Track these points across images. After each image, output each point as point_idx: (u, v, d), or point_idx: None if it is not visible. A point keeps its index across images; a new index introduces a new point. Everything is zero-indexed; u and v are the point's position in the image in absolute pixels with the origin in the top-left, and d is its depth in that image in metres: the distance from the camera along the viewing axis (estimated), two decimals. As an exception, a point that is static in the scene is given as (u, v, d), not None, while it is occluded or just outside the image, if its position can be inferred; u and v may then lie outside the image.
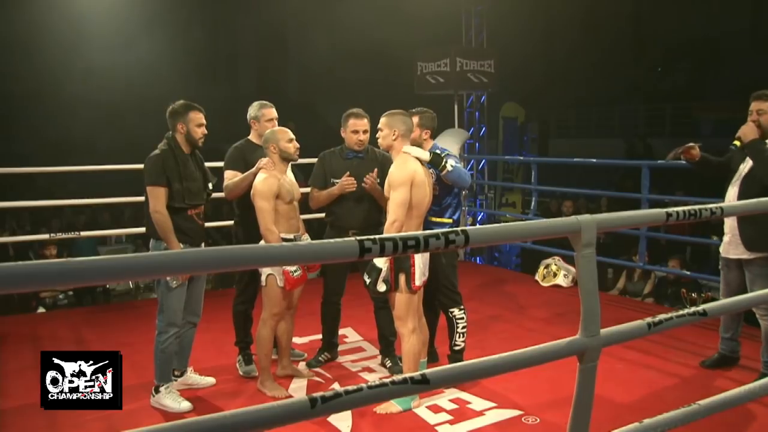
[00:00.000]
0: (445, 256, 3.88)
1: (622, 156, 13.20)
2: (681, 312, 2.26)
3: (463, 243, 1.79)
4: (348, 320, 4.57)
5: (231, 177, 3.89)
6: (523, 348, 1.97)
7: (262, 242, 3.52)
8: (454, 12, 8.27)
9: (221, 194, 3.94)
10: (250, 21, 19.30)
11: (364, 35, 14.10)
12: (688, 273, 5.81)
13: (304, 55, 19.35)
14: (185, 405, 3.47)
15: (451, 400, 3.51)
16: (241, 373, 4.01)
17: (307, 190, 4.10)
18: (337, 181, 3.95)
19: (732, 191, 3.70)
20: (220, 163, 4.04)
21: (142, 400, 3.54)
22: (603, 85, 16.93)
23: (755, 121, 3.60)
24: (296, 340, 4.29)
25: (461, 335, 3.93)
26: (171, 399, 3.48)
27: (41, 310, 6.53)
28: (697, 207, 2.27)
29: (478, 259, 8.37)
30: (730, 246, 3.72)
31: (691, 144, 3.80)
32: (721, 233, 3.91)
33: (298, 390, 3.75)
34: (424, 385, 1.78)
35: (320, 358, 4.16)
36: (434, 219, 3.79)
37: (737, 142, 3.63)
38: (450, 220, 3.85)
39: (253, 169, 3.69)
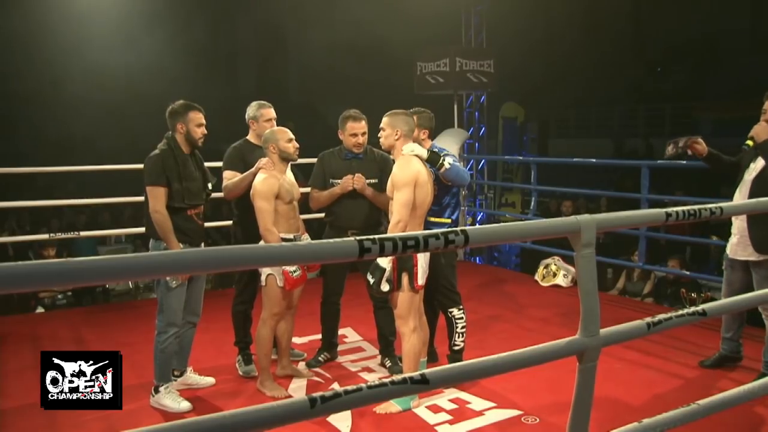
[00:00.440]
0: (445, 256, 3.87)
1: (611, 156, 13.21)
2: (680, 312, 2.26)
3: (462, 243, 1.79)
4: (347, 320, 4.57)
5: (230, 177, 3.89)
6: (522, 348, 1.97)
7: (261, 242, 3.52)
8: (454, 12, 8.27)
9: (221, 194, 3.94)
10: (251, 21, 19.32)
11: (364, 35, 14.12)
12: (688, 273, 5.81)
13: (304, 54, 19.37)
14: (185, 405, 3.47)
15: (450, 400, 3.51)
16: (240, 373, 4.01)
17: (307, 190, 4.10)
18: (337, 181, 3.95)
19: (741, 192, 3.65)
20: (220, 163, 4.04)
21: (141, 400, 3.54)
22: (603, 85, 16.94)
23: None
24: (296, 340, 4.29)
25: (460, 335, 3.93)
26: (171, 399, 3.48)
27: (40, 310, 6.52)
28: (696, 207, 2.27)
29: (477, 259, 8.37)
30: (738, 247, 3.68)
31: (694, 137, 3.74)
32: (721, 233, 3.90)
33: (297, 390, 3.74)
34: (423, 385, 1.78)
35: (320, 358, 4.16)
36: (433, 219, 3.78)
37: (750, 142, 3.60)
38: (449, 220, 3.85)
39: (253, 169, 3.69)
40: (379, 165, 3.98)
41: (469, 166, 7.84)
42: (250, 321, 4.11)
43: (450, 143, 5.78)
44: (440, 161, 3.56)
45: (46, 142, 15.70)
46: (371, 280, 3.31)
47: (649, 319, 2.17)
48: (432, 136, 3.94)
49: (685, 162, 3.90)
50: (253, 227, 3.57)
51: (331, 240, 1.66)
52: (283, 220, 3.60)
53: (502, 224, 5.03)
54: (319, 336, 4.26)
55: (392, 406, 3.38)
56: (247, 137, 4.05)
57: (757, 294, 3.07)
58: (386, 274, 3.27)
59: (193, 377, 3.81)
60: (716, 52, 15.89)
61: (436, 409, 3.43)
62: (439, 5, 8.48)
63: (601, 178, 11.99)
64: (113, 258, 1.38)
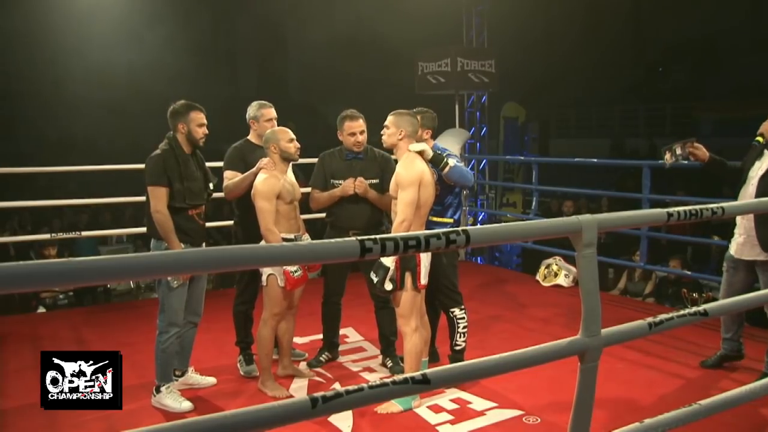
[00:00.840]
0: (446, 256, 3.87)
1: (609, 156, 13.21)
2: (682, 312, 2.26)
3: (464, 243, 1.79)
4: (349, 320, 4.57)
5: (231, 177, 3.89)
6: (523, 348, 1.97)
7: (262, 242, 3.52)
8: (455, 12, 8.27)
9: (222, 194, 3.94)
10: (251, 20, 19.32)
11: (365, 35, 14.12)
12: (689, 273, 5.80)
13: (305, 53, 19.37)
14: (186, 405, 3.47)
15: (451, 400, 3.51)
16: (242, 373, 4.01)
17: (308, 190, 4.10)
18: (337, 182, 3.94)
19: (748, 191, 3.62)
20: (221, 163, 4.04)
21: (142, 400, 3.54)
22: (603, 85, 16.95)
23: None
24: (297, 340, 4.29)
25: (462, 335, 3.93)
26: (172, 399, 3.48)
27: (41, 309, 6.52)
28: (698, 207, 2.27)
29: (478, 258, 8.37)
30: (744, 247, 3.66)
31: (690, 141, 3.72)
32: (722, 233, 3.89)
33: (298, 390, 3.74)
34: (424, 385, 1.78)
35: (321, 358, 4.16)
36: (435, 219, 3.78)
37: (760, 138, 3.60)
38: (451, 220, 3.85)
39: (254, 169, 3.69)
40: (380, 165, 3.98)
41: (470, 166, 7.83)
42: (251, 321, 4.11)
43: (451, 143, 5.77)
44: (443, 161, 3.57)
45: (47, 141, 15.72)
46: (374, 279, 3.31)
47: (650, 319, 2.17)
48: (434, 136, 3.94)
49: (686, 162, 3.88)
50: (254, 227, 3.57)
51: (332, 240, 1.66)
52: (284, 220, 3.60)
53: (503, 224, 5.03)
54: (321, 336, 4.26)
55: (393, 405, 3.38)
56: (248, 137, 4.05)
57: (756, 294, 3.06)
58: (390, 273, 3.27)
59: (194, 377, 3.82)
60: (716, 52, 15.89)
61: (437, 409, 3.42)
62: (439, 5, 8.48)
63: (602, 178, 11.99)
64: (114, 258, 1.38)
